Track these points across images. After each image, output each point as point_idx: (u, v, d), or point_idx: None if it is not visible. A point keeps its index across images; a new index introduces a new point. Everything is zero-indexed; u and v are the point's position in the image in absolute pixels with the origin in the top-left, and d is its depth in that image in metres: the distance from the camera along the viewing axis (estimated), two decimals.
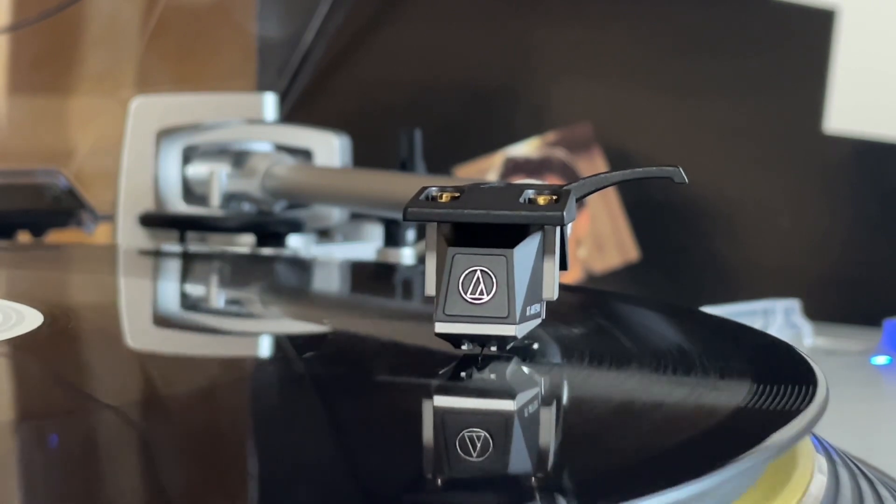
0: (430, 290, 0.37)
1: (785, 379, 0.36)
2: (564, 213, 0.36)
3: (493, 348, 0.37)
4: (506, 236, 0.36)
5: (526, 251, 0.36)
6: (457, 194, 0.37)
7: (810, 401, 0.34)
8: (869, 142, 0.80)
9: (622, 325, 0.49)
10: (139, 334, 0.48)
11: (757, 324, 0.69)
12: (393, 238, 0.70)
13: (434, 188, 0.37)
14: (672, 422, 0.33)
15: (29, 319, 0.44)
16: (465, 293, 0.36)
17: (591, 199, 0.86)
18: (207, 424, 0.34)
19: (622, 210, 0.86)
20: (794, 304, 0.72)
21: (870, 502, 0.34)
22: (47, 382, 0.39)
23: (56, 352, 0.43)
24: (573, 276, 0.86)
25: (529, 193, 0.37)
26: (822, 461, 0.35)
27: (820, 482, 0.34)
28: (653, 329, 0.48)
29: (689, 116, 0.85)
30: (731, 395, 0.35)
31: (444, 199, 0.37)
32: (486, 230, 0.36)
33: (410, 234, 0.70)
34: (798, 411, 0.33)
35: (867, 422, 0.59)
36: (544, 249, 0.37)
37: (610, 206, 0.86)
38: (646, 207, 0.85)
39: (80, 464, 0.30)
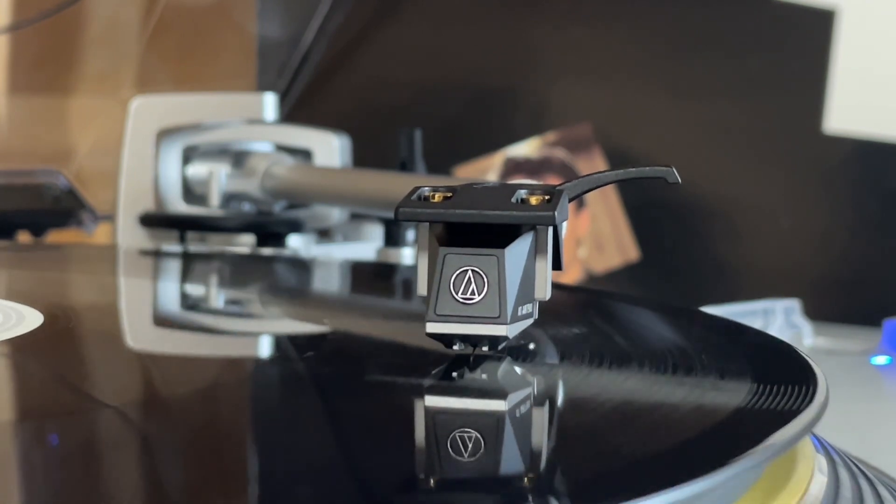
0: (422, 290, 0.37)
1: (785, 379, 0.36)
2: (556, 213, 0.36)
3: (485, 348, 0.37)
4: (498, 236, 0.36)
5: (518, 251, 0.36)
6: (449, 194, 0.37)
7: (810, 401, 0.34)
8: (869, 142, 0.80)
9: (620, 325, 0.49)
10: (139, 334, 0.48)
11: (757, 324, 0.69)
12: (393, 238, 0.70)
13: (426, 188, 0.37)
14: (670, 422, 0.33)
15: (29, 319, 0.44)
16: (457, 293, 0.36)
17: (592, 199, 0.86)
18: (205, 424, 0.34)
19: (622, 210, 0.86)
20: (794, 304, 0.72)
21: (870, 502, 0.34)
22: (47, 383, 0.39)
23: (56, 352, 0.43)
24: (573, 275, 0.86)
25: (522, 193, 0.37)
26: (822, 461, 0.35)
27: (820, 482, 0.34)
28: (651, 329, 0.48)
29: (689, 116, 0.85)
30: (730, 395, 0.35)
31: (436, 199, 0.37)
32: (479, 230, 0.36)
33: (410, 234, 0.70)
34: (798, 412, 0.33)
35: (867, 422, 0.59)
36: (536, 249, 0.37)
37: (610, 206, 0.86)
38: (646, 207, 0.85)
39: (81, 464, 0.30)
